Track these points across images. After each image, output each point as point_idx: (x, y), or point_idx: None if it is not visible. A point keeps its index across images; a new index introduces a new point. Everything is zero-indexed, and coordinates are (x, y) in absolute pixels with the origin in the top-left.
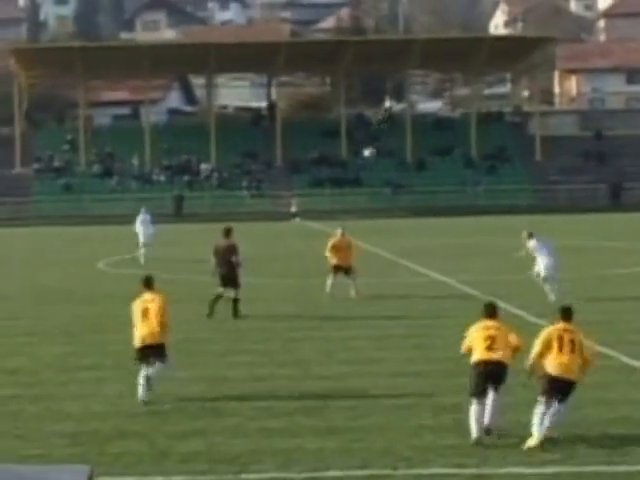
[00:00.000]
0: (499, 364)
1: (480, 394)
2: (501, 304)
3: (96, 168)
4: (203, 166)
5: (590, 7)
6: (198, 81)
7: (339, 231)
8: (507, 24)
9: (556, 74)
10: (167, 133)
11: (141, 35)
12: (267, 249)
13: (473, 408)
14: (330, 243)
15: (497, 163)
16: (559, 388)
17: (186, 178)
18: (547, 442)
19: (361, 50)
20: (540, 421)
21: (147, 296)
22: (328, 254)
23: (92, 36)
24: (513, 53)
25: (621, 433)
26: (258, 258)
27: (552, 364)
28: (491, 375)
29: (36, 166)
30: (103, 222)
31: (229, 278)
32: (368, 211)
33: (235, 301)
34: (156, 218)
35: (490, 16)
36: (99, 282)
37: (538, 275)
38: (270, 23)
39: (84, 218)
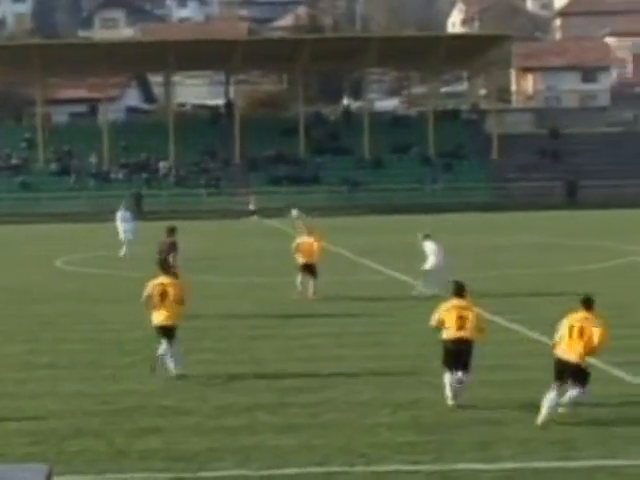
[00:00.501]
0: (468, 342)
1: (451, 368)
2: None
3: (54, 166)
4: (161, 164)
5: (546, 6)
6: (156, 79)
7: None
8: (464, 23)
9: (512, 72)
10: (125, 131)
11: (99, 33)
12: (225, 247)
13: (447, 376)
14: (296, 241)
15: (454, 161)
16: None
17: (144, 176)
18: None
19: (319, 48)
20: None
21: (165, 280)
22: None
23: (50, 34)
24: (470, 51)
25: (577, 429)
26: (216, 256)
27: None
28: (461, 352)
29: None
30: (61, 220)
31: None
32: (326, 209)
33: None
34: (112, 216)
35: (447, 14)
36: (56, 280)
37: (425, 270)
38: (228, 21)
39: (42, 216)
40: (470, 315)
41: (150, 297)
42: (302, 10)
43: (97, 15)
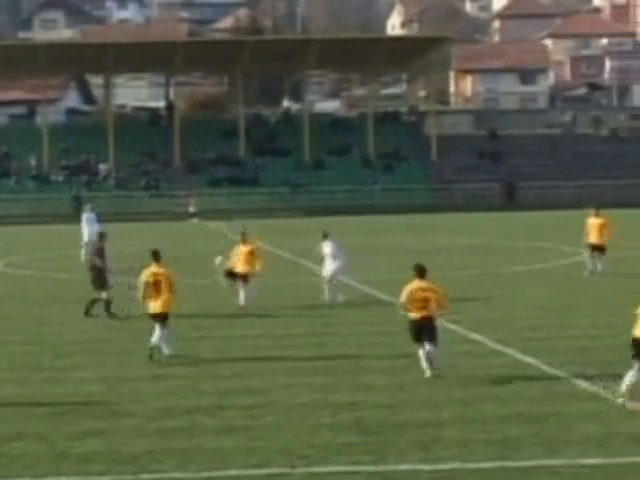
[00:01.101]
0: (431, 319)
1: (420, 343)
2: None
3: None
4: (101, 166)
5: (485, 8)
6: (96, 81)
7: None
8: (403, 25)
9: (451, 74)
10: (65, 133)
11: (39, 34)
12: (165, 249)
13: (420, 351)
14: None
15: (394, 162)
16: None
17: (84, 178)
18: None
19: (259, 50)
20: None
21: (157, 269)
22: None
23: None
24: (409, 53)
25: (516, 429)
26: None
27: None
28: (426, 330)
29: None
30: (1, 222)
31: (97, 280)
32: (266, 211)
33: (107, 302)
34: (53, 218)
35: (386, 17)
36: None
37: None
38: (168, 22)
39: None
40: (431, 295)
41: (147, 284)
42: (242, 12)
43: (36, 16)
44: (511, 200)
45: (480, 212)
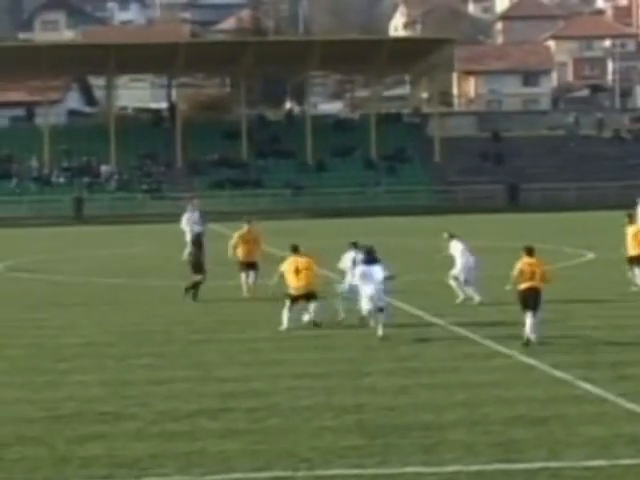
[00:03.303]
0: (537, 290)
1: (526, 310)
2: (401, 304)
3: None
4: (103, 168)
5: (488, 9)
6: (98, 82)
7: (245, 226)
8: (406, 26)
9: (454, 76)
10: (66, 134)
11: (40, 35)
12: (167, 251)
13: (526, 319)
14: (237, 235)
15: (397, 164)
16: None
17: (86, 180)
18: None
19: (261, 51)
20: None
21: (297, 257)
22: (232, 250)
23: None
24: (412, 55)
25: (519, 431)
26: (159, 260)
27: None
28: (532, 299)
29: None
30: (1, 225)
31: (195, 265)
32: (269, 212)
33: (197, 284)
34: (54, 220)
35: (389, 18)
36: None
37: (456, 278)
38: (170, 24)
39: None
40: (537, 270)
41: (287, 272)
42: (245, 13)
43: (37, 17)
44: (514, 202)
45: (483, 214)
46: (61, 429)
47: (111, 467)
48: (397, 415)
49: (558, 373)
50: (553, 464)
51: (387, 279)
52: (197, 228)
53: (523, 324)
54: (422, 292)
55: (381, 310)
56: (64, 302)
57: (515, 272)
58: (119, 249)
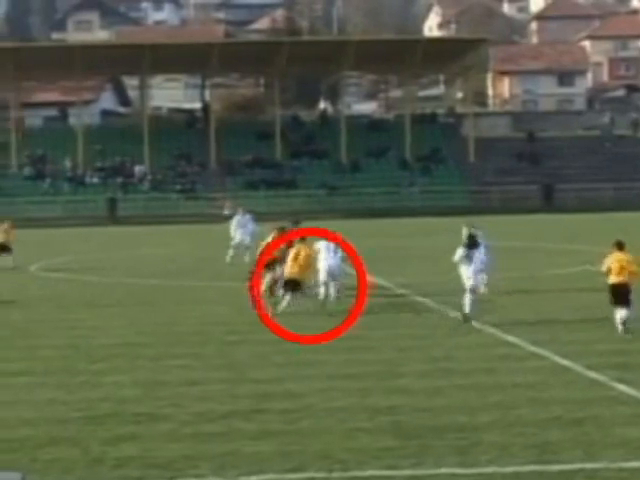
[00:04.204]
0: (626, 285)
1: (615, 305)
2: (434, 305)
3: (28, 170)
4: (137, 168)
5: (523, 9)
6: (131, 82)
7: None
8: (441, 26)
9: (489, 76)
10: (100, 135)
11: (73, 36)
12: (201, 251)
13: (616, 314)
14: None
15: (431, 164)
16: None
17: (120, 180)
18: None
19: (295, 51)
20: None
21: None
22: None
23: (23, 36)
24: (447, 55)
25: (555, 433)
26: (192, 261)
27: None
28: (621, 294)
29: None
30: (36, 225)
31: (270, 263)
32: (303, 213)
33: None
34: (88, 221)
35: (424, 18)
36: (31, 286)
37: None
38: (204, 24)
39: (16, 221)
40: (627, 265)
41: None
42: (279, 13)
43: (71, 17)
44: (549, 202)
45: (518, 215)
46: (95, 430)
47: (145, 468)
48: (432, 416)
49: (593, 374)
50: (588, 465)
51: (487, 260)
52: (251, 229)
53: (613, 319)
54: (456, 293)
55: (473, 290)
56: (98, 303)
57: (604, 267)
58: (153, 249)
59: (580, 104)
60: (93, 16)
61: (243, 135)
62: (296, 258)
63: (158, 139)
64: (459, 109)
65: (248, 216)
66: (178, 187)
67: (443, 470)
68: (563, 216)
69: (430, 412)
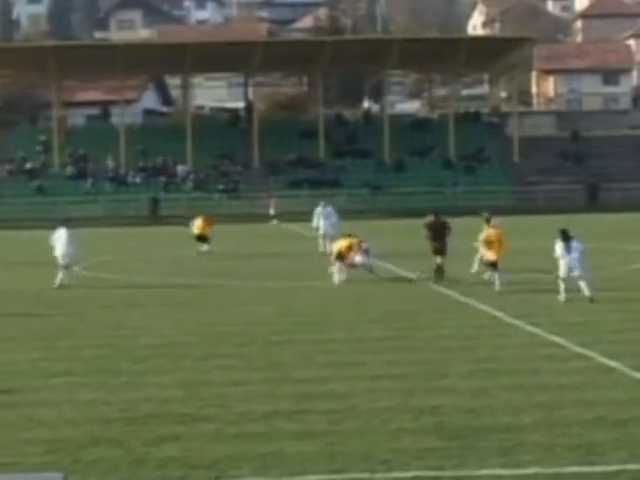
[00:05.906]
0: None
1: None
2: (480, 305)
3: (70, 170)
4: (179, 168)
5: (567, 8)
6: (174, 81)
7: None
8: (485, 25)
9: (533, 75)
10: (142, 134)
11: (116, 34)
12: (245, 251)
13: None
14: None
15: (475, 164)
16: None
17: (162, 180)
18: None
19: (339, 50)
20: None
21: (491, 231)
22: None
23: (65, 35)
24: (491, 54)
25: (599, 434)
26: (236, 261)
27: None
28: None
29: (8, 168)
30: (78, 225)
31: (438, 249)
32: (346, 212)
33: (439, 267)
34: (130, 220)
35: (468, 16)
36: (73, 286)
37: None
38: (247, 22)
39: (58, 221)
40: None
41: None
42: (322, 11)
43: (113, 16)
44: (594, 202)
45: (563, 214)
46: (137, 430)
47: (187, 468)
48: (475, 417)
49: (638, 375)
50: (632, 467)
51: (582, 252)
52: (334, 220)
53: None
54: (500, 293)
55: (580, 278)
56: (140, 302)
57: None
58: (195, 249)
59: (625, 103)
60: (136, 15)
61: (286, 134)
62: (491, 242)
63: (201, 138)
64: (503, 108)
65: (330, 208)
66: (221, 187)
67: (486, 471)
68: (608, 215)
69: (474, 413)
